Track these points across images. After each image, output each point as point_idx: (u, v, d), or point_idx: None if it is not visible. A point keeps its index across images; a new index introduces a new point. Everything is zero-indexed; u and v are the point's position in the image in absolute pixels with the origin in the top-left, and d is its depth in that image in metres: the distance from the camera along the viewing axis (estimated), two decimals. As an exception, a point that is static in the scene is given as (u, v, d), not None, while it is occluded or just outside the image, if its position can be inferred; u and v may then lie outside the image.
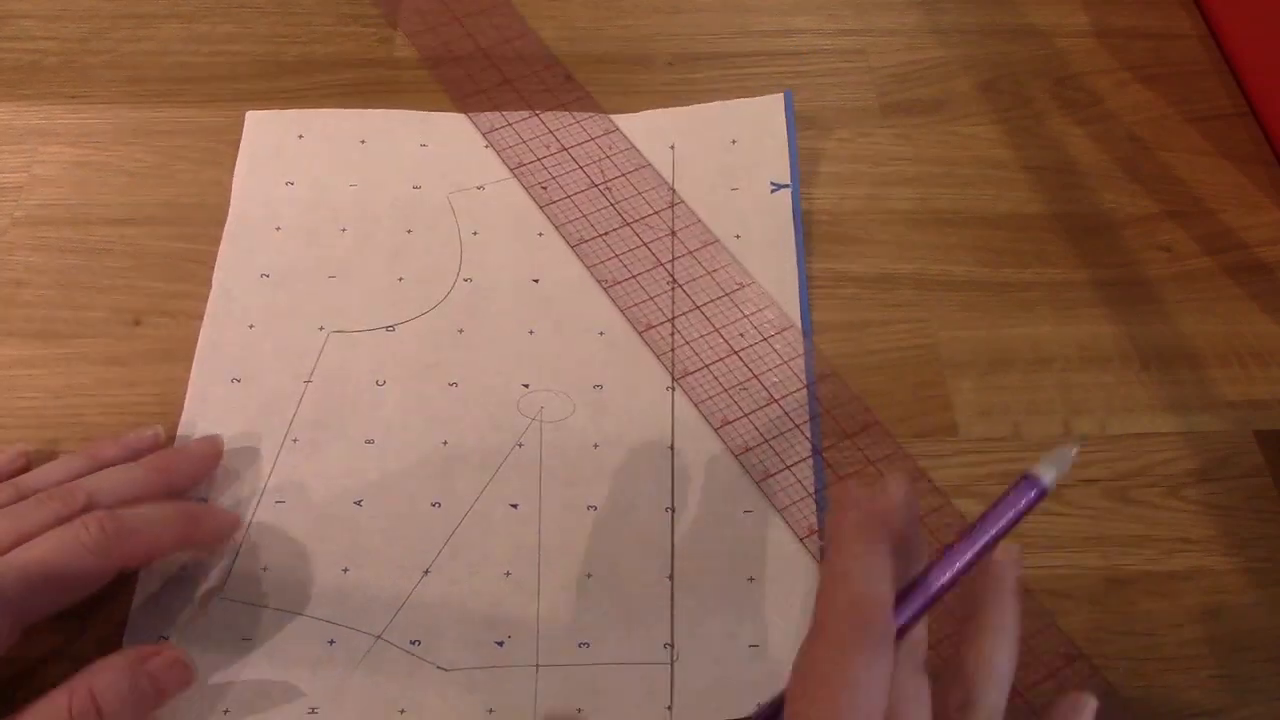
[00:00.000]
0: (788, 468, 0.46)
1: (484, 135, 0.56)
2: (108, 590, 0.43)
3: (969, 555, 0.32)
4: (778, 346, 0.49)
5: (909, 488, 0.33)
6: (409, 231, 0.53)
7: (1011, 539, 0.42)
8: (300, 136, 0.56)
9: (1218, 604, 0.44)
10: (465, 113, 0.57)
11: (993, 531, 0.32)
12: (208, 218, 0.53)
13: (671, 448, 0.47)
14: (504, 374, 0.48)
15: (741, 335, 0.50)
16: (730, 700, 0.41)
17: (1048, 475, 0.32)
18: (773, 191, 0.54)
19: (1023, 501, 0.32)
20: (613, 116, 0.57)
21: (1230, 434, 0.48)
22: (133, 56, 0.59)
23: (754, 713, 0.33)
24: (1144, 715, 0.41)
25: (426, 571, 0.44)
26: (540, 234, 0.53)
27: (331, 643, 0.42)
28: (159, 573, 0.43)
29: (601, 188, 0.54)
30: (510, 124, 0.56)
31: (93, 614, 0.43)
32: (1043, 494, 0.32)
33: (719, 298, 0.51)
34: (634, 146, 0.56)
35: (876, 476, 0.33)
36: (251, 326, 0.50)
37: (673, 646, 0.42)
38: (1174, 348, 0.50)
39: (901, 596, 0.31)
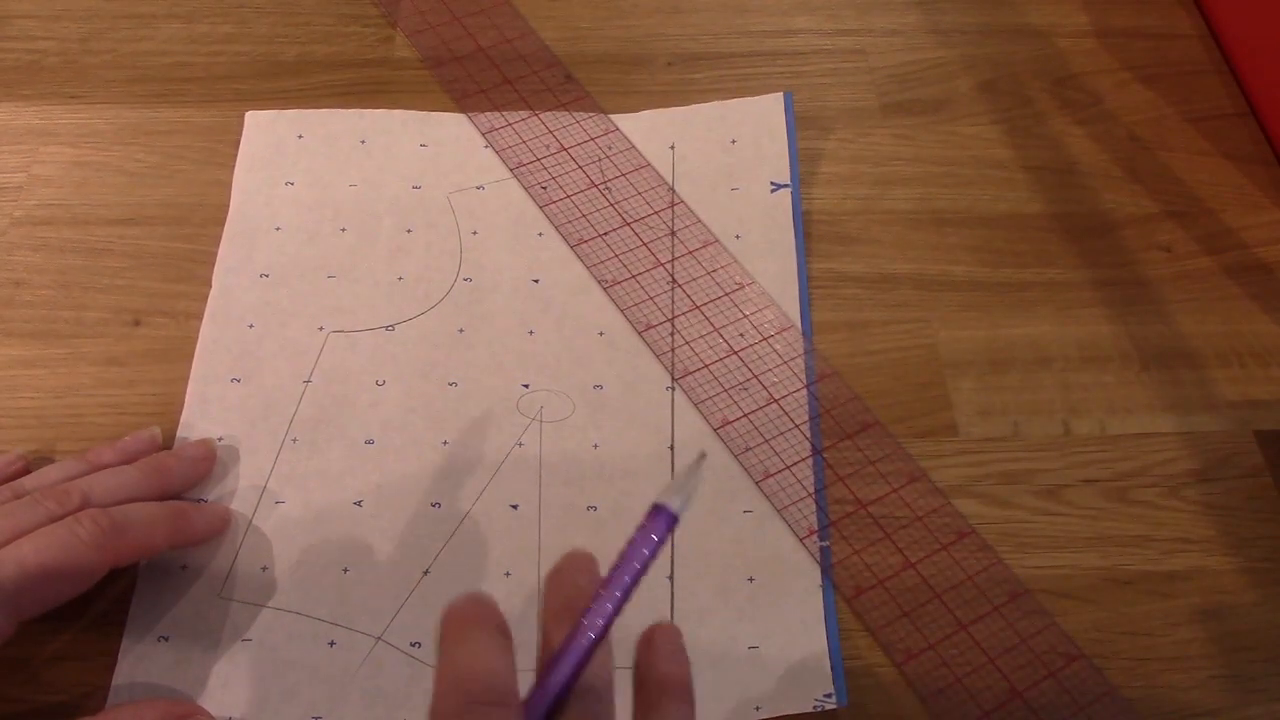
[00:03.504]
0: (788, 468, 0.46)
1: (484, 135, 0.56)
2: (108, 590, 0.43)
3: (617, 599, 0.31)
4: (778, 346, 0.49)
5: (578, 554, 0.34)
6: (409, 231, 0.53)
7: (1003, 540, 0.41)
8: (300, 136, 0.56)
9: (1218, 604, 0.44)
10: (465, 113, 0.57)
11: (632, 571, 0.31)
12: (208, 218, 0.53)
13: (671, 448, 0.47)
14: (504, 374, 0.48)
15: (741, 335, 0.50)
16: (730, 703, 0.41)
17: (675, 501, 0.32)
18: (773, 191, 0.54)
19: (658, 533, 0.32)
20: (612, 116, 0.57)
21: (1230, 434, 0.48)
22: (133, 56, 0.59)
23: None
24: (1144, 715, 0.41)
25: (426, 571, 0.44)
26: (540, 234, 0.53)
27: (332, 644, 0.42)
28: (159, 573, 0.43)
29: (601, 188, 0.54)
30: (510, 124, 0.56)
31: (92, 614, 0.43)
32: (674, 522, 0.32)
33: (719, 298, 0.51)
34: (634, 146, 0.56)
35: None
36: (251, 326, 0.50)
37: (672, 647, 0.42)
38: (1174, 348, 0.50)
39: (555, 660, 0.30)
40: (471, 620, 0.31)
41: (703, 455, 0.34)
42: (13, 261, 0.52)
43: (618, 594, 0.31)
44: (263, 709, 0.41)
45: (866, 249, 0.53)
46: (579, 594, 0.32)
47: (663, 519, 0.32)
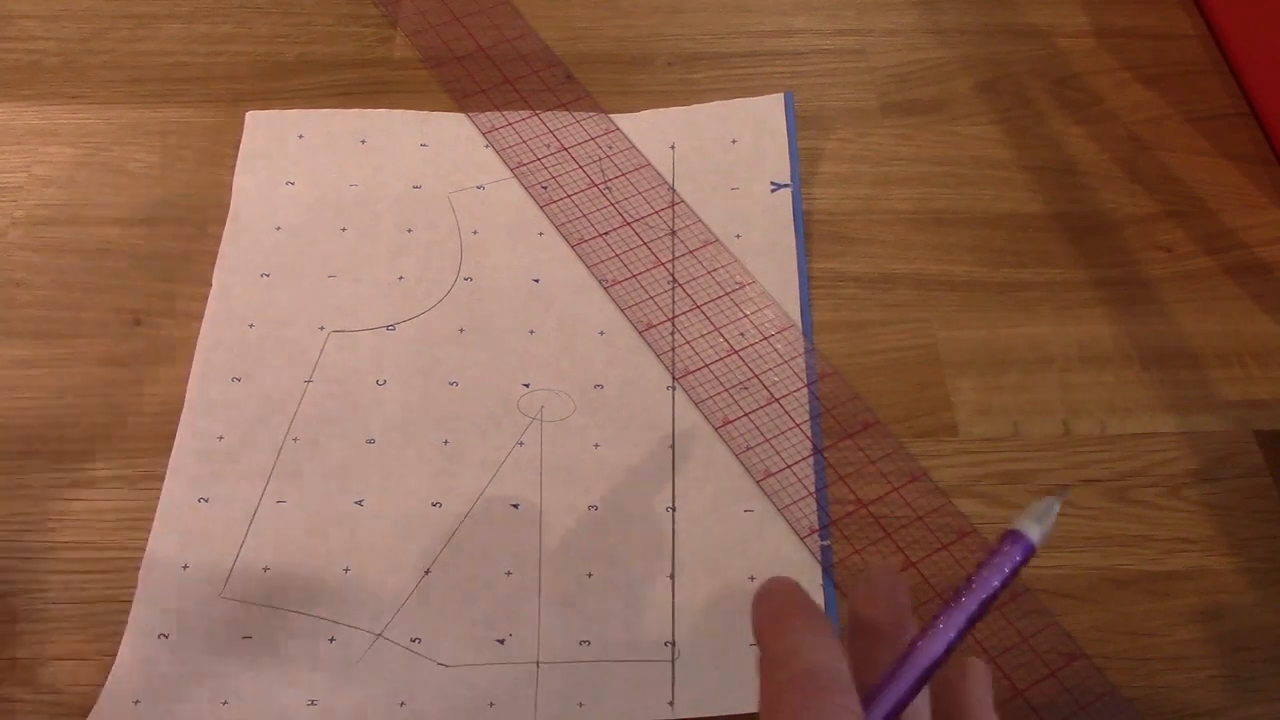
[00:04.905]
0: (788, 467, 0.46)
1: (484, 135, 0.56)
2: (108, 589, 0.43)
3: (961, 623, 0.29)
4: (778, 346, 0.49)
5: (892, 573, 0.31)
6: (409, 231, 0.53)
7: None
8: (300, 136, 0.56)
9: (1218, 604, 0.44)
10: (465, 112, 0.57)
11: (983, 596, 0.29)
12: (208, 218, 0.53)
13: (672, 447, 0.47)
14: (504, 373, 0.48)
15: (742, 335, 0.50)
16: (731, 698, 0.41)
17: (1034, 531, 0.29)
18: (773, 191, 0.54)
19: (1012, 561, 0.29)
20: (613, 116, 0.57)
21: (1230, 434, 0.48)
22: (133, 56, 0.59)
23: None
24: (1144, 715, 0.41)
25: (427, 571, 0.44)
26: (540, 233, 0.53)
27: (332, 640, 0.42)
28: (160, 572, 0.43)
29: (601, 187, 0.54)
30: (510, 124, 0.56)
31: (92, 613, 0.43)
32: (1031, 552, 0.29)
33: (719, 297, 0.51)
34: (634, 146, 0.56)
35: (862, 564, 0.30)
36: (251, 326, 0.50)
37: (674, 644, 0.42)
38: (1174, 348, 0.50)
39: (888, 680, 0.28)
40: (794, 608, 0.28)
41: (1066, 489, 0.32)
42: (13, 261, 0.52)
43: (964, 617, 0.29)
44: (259, 695, 0.41)
45: (866, 249, 0.53)
46: (902, 608, 0.30)
47: (1020, 547, 0.29)
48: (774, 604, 0.28)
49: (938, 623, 0.28)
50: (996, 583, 0.29)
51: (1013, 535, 0.29)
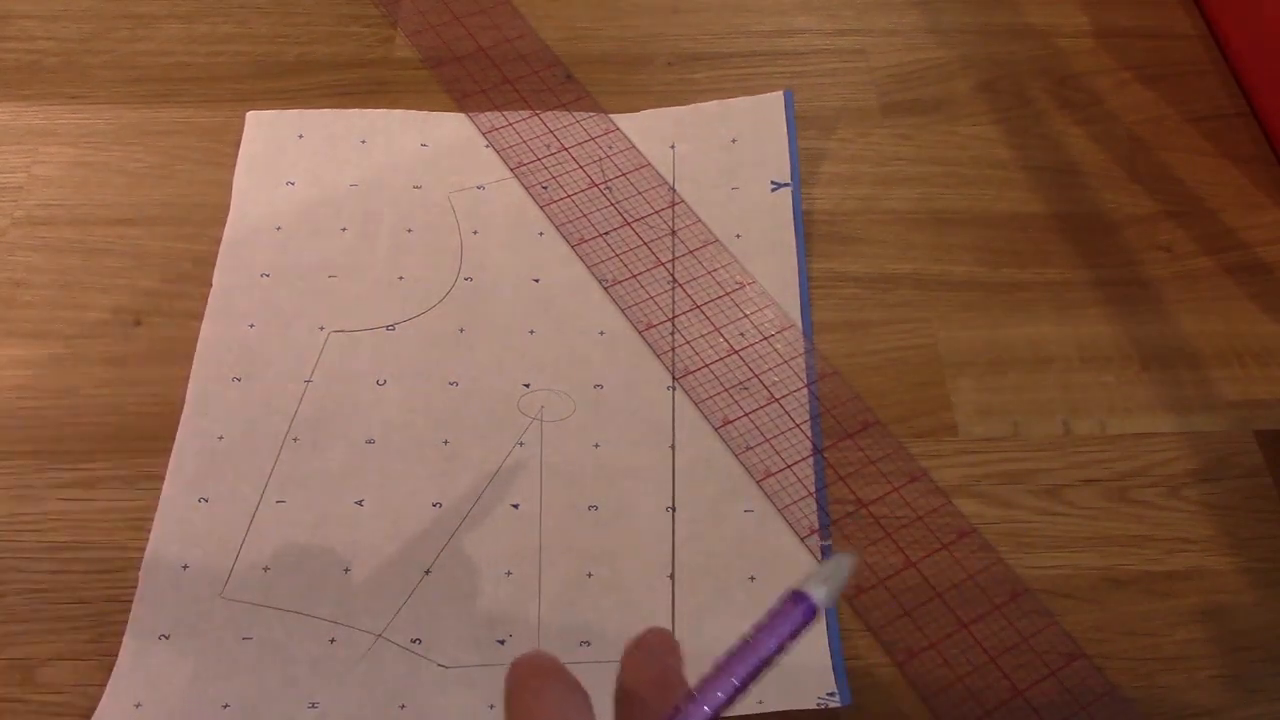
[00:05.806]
0: (788, 467, 0.46)
1: (484, 135, 0.56)
2: (108, 589, 0.43)
3: (729, 690, 0.27)
4: (778, 346, 0.49)
5: (665, 639, 0.30)
6: (409, 231, 0.53)
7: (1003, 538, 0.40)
8: (300, 136, 0.56)
9: (1218, 604, 0.44)
10: (465, 112, 0.57)
11: (755, 662, 0.28)
12: (208, 218, 0.53)
13: (672, 447, 0.47)
14: (505, 373, 0.48)
15: (742, 335, 0.50)
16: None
17: (819, 592, 0.28)
18: (773, 191, 0.54)
19: (792, 624, 0.28)
20: (613, 116, 0.57)
21: (1230, 434, 0.48)
22: (133, 56, 0.59)
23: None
24: (1144, 715, 0.41)
25: (428, 571, 0.44)
26: (540, 233, 0.53)
27: (332, 641, 0.42)
28: (161, 572, 0.43)
29: (601, 187, 0.54)
30: (510, 124, 0.56)
31: (92, 613, 0.43)
32: (813, 614, 0.28)
33: (719, 297, 0.51)
34: (634, 146, 0.56)
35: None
36: (251, 326, 0.50)
37: (673, 646, 0.42)
38: (1174, 348, 0.50)
39: None
40: (542, 672, 0.28)
41: (854, 555, 0.30)
42: (13, 261, 0.52)
43: (735, 680, 0.27)
44: (260, 696, 0.41)
45: (866, 249, 0.53)
46: (670, 672, 0.29)
47: (801, 609, 0.28)
48: (524, 670, 0.28)
49: (704, 687, 0.27)
50: (773, 646, 0.28)
51: (796, 596, 0.28)
